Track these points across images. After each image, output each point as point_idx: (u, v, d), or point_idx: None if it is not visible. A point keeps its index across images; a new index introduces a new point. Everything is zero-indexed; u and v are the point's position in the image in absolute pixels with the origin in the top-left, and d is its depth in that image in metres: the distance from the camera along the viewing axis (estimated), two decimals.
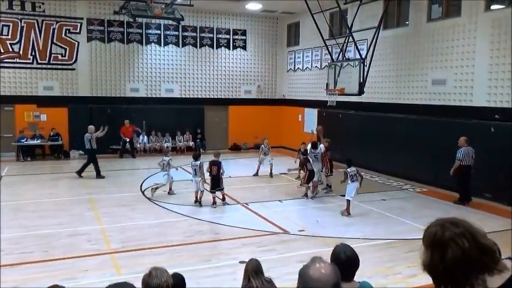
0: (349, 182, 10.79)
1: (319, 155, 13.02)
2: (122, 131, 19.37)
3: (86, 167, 15.02)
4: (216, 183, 11.62)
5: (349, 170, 10.90)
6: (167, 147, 18.92)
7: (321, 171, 13.43)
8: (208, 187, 11.70)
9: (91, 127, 15.17)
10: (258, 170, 15.76)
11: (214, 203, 11.60)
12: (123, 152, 19.60)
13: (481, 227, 1.84)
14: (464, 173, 11.70)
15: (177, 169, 13.92)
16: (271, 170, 15.57)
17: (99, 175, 14.97)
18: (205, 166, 11.76)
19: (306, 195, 12.59)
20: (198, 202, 11.67)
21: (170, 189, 12.83)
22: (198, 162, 11.70)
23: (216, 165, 11.59)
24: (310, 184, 12.59)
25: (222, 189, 11.78)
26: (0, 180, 14.18)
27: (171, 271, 4.02)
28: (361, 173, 11.49)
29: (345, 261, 3.11)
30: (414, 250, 8.17)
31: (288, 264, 7.29)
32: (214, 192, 11.67)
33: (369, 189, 13.76)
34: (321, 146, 13.11)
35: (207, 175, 11.71)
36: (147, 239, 8.84)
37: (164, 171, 12.81)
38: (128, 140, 19.52)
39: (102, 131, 15.60)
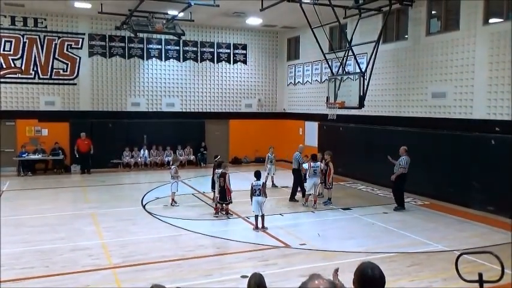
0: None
1: (318, 168, 13.10)
2: (77, 144, 18.79)
3: (296, 188, 14.04)
4: (222, 196, 11.70)
5: (254, 183, 10.78)
6: (177, 156, 18.45)
7: (322, 183, 13.56)
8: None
9: (301, 146, 14.60)
10: (266, 181, 15.63)
11: (216, 213, 11.86)
12: (84, 167, 18.94)
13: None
14: (403, 179, 12.59)
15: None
16: (272, 181, 15.69)
17: (293, 198, 13.95)
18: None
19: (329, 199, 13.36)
20: (219, 213, 11.89)
21: (173, 200, 13.02)
22: (220, 171, 11.88)
23: (222, 177, 11.71)
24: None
25: (228, 203, 11.85)
26: (1, 195, 14.17)
27: (172, 286, 4.02)
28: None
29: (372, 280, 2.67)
30: (416, 264, 8.21)
31: (290, 279, 7.25)
32: (222, 205, 11.81)
33: (370, 202, 13.78)
34: (318, 163, 13.22)
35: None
36: (148, 253, 8.81)
37: (173, 180, 13.04)
38: (83, 153, 18.85)
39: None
